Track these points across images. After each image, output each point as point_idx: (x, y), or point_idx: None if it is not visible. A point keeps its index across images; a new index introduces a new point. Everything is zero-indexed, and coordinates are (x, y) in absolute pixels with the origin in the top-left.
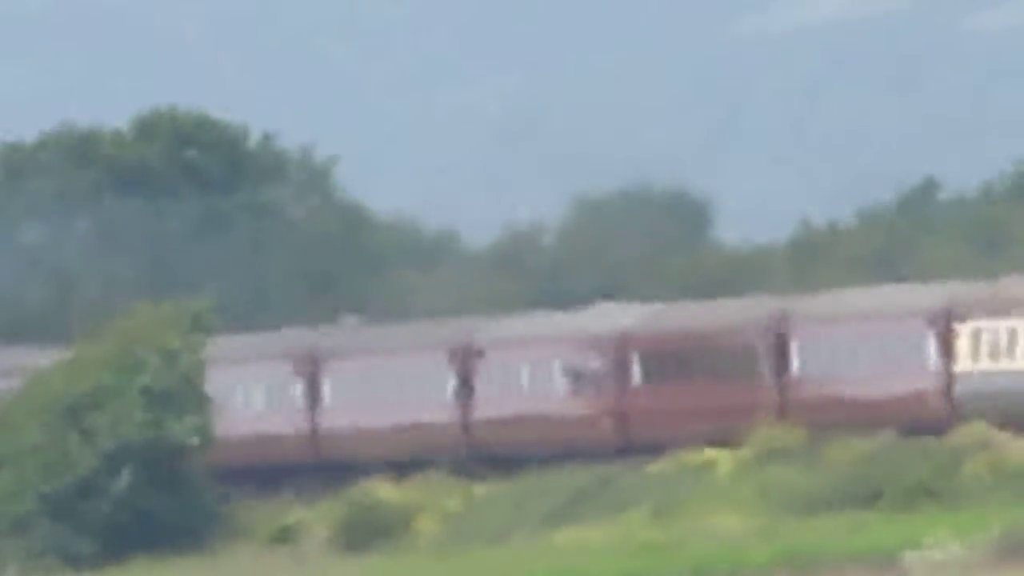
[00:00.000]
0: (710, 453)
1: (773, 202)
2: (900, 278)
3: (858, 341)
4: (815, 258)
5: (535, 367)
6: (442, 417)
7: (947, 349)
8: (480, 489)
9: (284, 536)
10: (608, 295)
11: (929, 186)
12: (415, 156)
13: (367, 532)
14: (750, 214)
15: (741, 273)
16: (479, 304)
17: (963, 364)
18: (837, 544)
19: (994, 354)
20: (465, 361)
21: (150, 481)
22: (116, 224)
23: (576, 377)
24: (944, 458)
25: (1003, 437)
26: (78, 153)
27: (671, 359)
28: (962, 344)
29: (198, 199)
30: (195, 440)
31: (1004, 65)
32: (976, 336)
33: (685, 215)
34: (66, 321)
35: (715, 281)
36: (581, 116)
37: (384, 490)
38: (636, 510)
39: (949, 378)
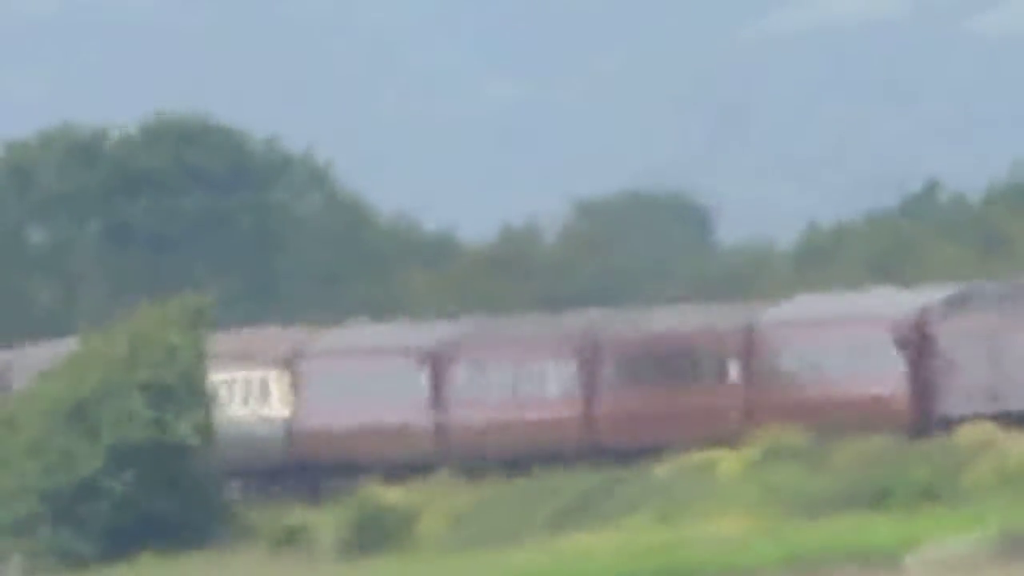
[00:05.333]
0: (714, 454)
1: (775, 206)
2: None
3: None
4: (820, 261)
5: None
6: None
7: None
8: (485, 491)
9: (290, 537)
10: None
11: (931, 189)
12: (416, 158)
13: (373, 534)
14: (753, 217)
15: (746, 275)
16: (481, 304)
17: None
18: (839, 545)
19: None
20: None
21: (153, 480)
22: (122, 226)
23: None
24: (947, 459)
25: (1007, 438)
26: (84, 155)
27: None
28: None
29: (203, 200)
30: (195, 439)
31: (1004, 68)
32: (231, 385)
33: (688, 217)
34: (73, 323)
35: (720, 283)
36: (583, 119)
37: (390, 492)
38: (641, 513)
39: None
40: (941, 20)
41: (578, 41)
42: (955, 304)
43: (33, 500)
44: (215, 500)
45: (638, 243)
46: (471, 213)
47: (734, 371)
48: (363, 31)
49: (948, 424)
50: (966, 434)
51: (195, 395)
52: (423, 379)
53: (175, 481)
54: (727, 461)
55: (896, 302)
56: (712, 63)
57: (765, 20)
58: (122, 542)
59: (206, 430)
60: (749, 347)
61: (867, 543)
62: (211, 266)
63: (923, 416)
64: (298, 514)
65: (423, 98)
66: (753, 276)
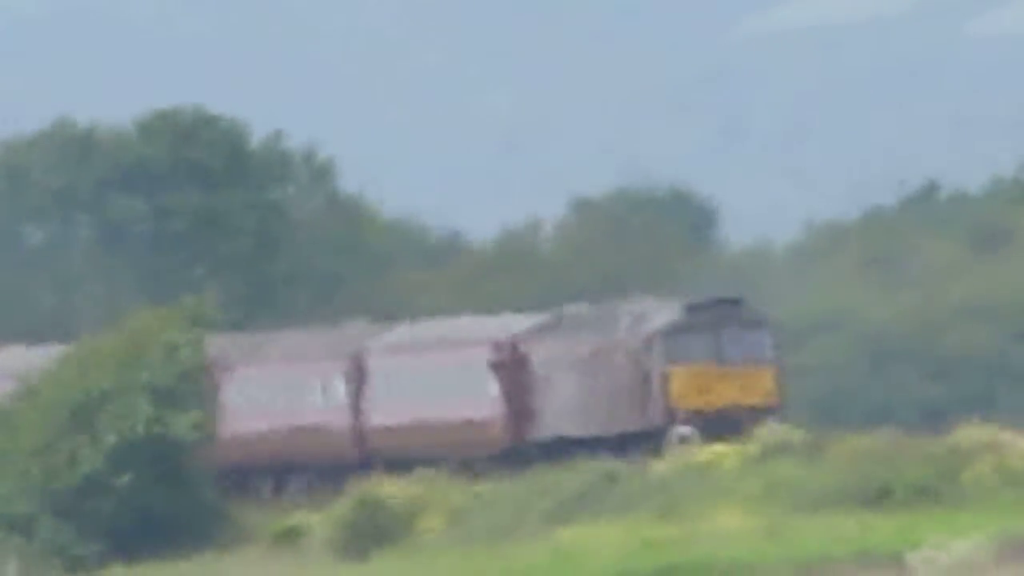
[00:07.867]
0: (716, 450)
1: (775, 205)
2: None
3: None
4: (817, 260)
5: None
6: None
7: None
8: (484, 487)
9: (289, 536)
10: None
11: (930, 188)
12: (417, 159)
13: (371, 531)
14: (752, 217)
15: (744, 275)
16: (483, 304)
17: None
18: (841, 544)
19: None
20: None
21: (153, 480)
22: (118, 225)
23: None
24: (948, 458)
25: (1008, 438)
26: (79, 152)
27: None
28: None
29: (201, 198)
30: (194, 435)
31: (1005, 68)
32: None
33: (687, 216)
34: (69, 323)
35: (719, 282)
36: (583, 120)
37: (388, 488)
38: (642, 508)
39: None
40: (943, 20)
41: (577, 41)
42: (548, 328)
43: (34, 499)
44: (214, 500)
45: (636, 242)
46: (471, 213)
47: (342, 393)
48: (364, 33)
49: (541, 448)
50: (966, 434)
51: (196, 395)
52: None
53: (175, 482)
54: (727, 457)
55: (494, 327)
56: (711, 63)
57: (766, 19)
58: (122, 542)
59: (206, 430)
60: (357, 371)
61: (867, 543)
62: (208, 266)
63: (516, 440)
64: (297, 513)
65: (423, 99)
66: (751, 275)
